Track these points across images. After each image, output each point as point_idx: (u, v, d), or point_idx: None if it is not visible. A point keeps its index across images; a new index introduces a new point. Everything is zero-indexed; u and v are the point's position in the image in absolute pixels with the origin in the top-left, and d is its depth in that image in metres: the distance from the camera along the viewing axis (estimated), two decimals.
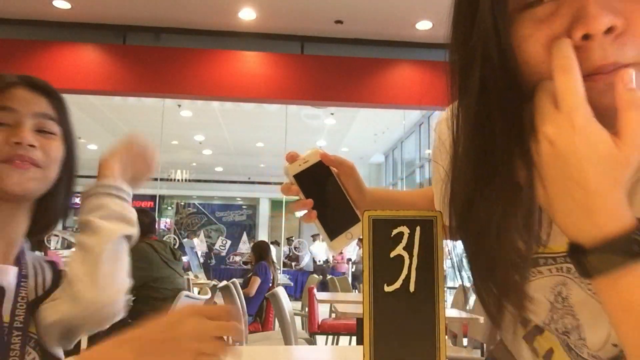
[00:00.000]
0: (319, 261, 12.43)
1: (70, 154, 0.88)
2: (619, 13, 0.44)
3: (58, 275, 0.88)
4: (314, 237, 12.55)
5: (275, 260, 6.02)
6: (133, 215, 0.87)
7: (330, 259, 12.17)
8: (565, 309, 0.60)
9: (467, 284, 0.60)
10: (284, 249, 12.71)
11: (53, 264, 0.91)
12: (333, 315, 5.35)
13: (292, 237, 13.74)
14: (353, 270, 11.66)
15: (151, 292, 3.16)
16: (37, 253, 0.92)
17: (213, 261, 13.47)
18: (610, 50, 0.45)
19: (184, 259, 7.22)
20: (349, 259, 12.02)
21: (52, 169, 0.84)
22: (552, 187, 0.46)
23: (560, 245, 0.55)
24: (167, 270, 3.30)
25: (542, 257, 0.59)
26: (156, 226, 3.96)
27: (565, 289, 0.60)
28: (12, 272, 0.81)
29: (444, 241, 0.61)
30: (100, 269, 0.79)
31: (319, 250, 12.41)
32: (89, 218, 0.82)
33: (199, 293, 3.68)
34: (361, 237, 0.61)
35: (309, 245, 12.82)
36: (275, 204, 15.24)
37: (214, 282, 5.63)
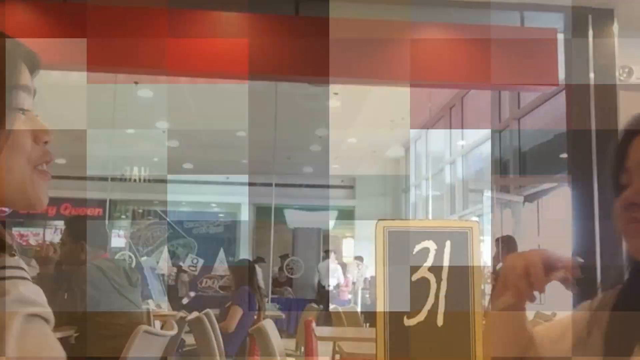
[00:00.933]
0: (327, 286, 12.43)
1: None
2: None
3: None
4: (327, 252, 12.57)
5: (261, 284, 6.02)
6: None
7: (342, 281, 12.25)
8: None
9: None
10: (273, 269, 12.72)
11: None
12: (337, 356, 5.36)
13: (286, 254, 13.74)
14: (368, 294, 11.75)
15: (99, 328, 3.15)
16: None
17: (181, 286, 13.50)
18: None
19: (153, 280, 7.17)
20: (353, 282, 12.10)
21: None
22: None
23: None
24: (119, 299, 3.29)
25: None
26: (106, 240, 3.96)
27: None
28: None
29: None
30: None
31: (329, 270, 12.43)
32: None
33: (162, 328, 3.67)
34: None
35: (318, 264, 12.87)
36: (262, 212, 15.25)
37: (181, 314, 5.63)
